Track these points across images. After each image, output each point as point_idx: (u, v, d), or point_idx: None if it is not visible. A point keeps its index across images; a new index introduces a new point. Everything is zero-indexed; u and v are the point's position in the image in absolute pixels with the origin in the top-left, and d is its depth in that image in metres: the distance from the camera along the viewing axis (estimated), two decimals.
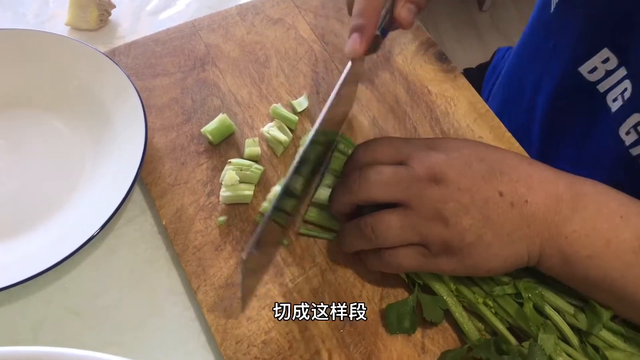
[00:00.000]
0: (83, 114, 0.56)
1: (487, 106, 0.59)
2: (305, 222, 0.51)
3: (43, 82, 0.57)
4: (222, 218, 0.51)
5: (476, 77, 0.88)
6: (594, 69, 0.55)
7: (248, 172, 0.51)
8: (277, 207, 0.41)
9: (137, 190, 0.54)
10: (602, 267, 0.41)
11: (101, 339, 0.47)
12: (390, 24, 0.49)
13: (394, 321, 0.46)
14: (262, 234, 0.39)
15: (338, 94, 0.45)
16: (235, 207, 0.52)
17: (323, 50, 0.62)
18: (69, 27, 0.64)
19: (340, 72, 0.59)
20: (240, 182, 0.51)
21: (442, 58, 0.62)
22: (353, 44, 0.46)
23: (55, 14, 0.65)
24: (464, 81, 0.60)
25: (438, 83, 0.60)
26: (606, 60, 0.53)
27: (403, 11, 0.47)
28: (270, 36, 0.62)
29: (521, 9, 1.97)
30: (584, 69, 0.56)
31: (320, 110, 0.53)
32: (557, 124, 0.63)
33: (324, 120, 0.43)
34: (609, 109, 0.55)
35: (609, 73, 0.53)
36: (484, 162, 0.43)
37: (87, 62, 0.56)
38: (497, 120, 0.58)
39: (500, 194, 0.42)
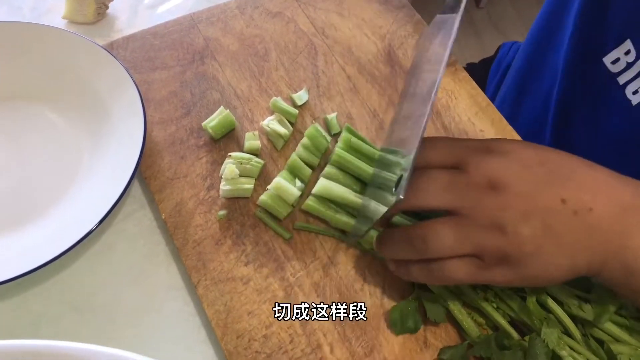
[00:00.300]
0: (81, 108, 0.55)
1: (487, 99, 0.58)
2: (302, 212, 0.51)
3: (40, 75, 0.56)
4: (222, 212, 0.50)
5: (480, 72, 0.88)
6: (617, 60, 0.54)
7: (248, 166, 0.51)
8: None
9: (136, 185, 0.53)
10: None
11: (100, 334, 0.46)
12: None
13: (397, 322, 0.45)
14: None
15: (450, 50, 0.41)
16: (235, 201, 0.51)
17: (323, 43, 0.61)
18: (66, 21, 0.63)
19: (341, 66, 0.59)
20: (241, 175, 0.50)
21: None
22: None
23: (51, 7, 0.64)
24: (464, 74, 0.60)
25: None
26: (628, 52, 0.52)
27: None
28: (269, 29, 0.62)
29: (518, 6, 1.97)
30: (607, 59, 0.55)
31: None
32: (573, 112, 0.62)
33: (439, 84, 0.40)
34: (629, 101, 0.54)
35: (629, 65, 0.53)
36: (544, 166, 0.40)
37: (84, 56, 0.55)
38: (498, 113, 0.58)
39: (563, 201, 0.39)
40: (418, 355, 0.45)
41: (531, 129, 0.68)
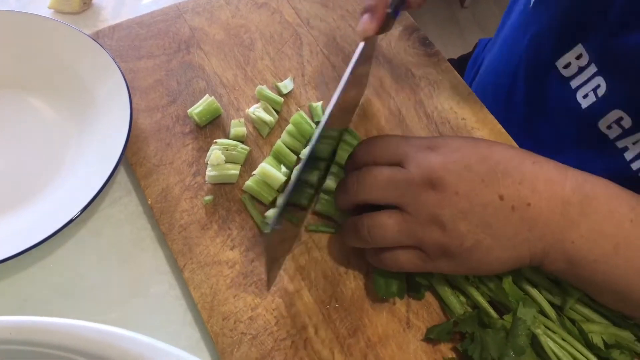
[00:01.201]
0: (67, 96, 0.55)
1: (469, 89, 0.59)
2: (314, 213, 0.51)
3: (26, 64, 0.56)
4: (208, 197, 0.51)
5: (457, 67, 0.89)
6: (569, 65, 0.55)
7: (234, 152, 0.51)
8: (297, 186, 0.40)
9: (122, 172, 0.54)
10: (609, 272, 0.40)
11: (86, 318, 0.45)
12: (400, 3, 0.48)
13: (382, 285, 0.46)
14: (284, 209, 0.38)
15: (351, 75, 0.44)
16: (221, 187, 0.52)
17: (308, 34, 0.62)
18: (52, 11, 0.63)
19: (326, 56, 0.60)
20: (226, 161, 0.51)
21: (425, 43, 0.63)
22: (364, 23, 0.45)
23: None
24: (447, 65, 0.61)
25: (422, 67, 0.61)
26: (579, 57, 0.54)
27: None
28: (255, 20, 0.62)
29: (502, 5, 2.00)
30: (560, 63, 0.56)
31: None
32: (535, 111, 0.64)
33: (337, 103, 0.42)
34: (579, 105, 0.55)
35: (581, 69, 0.54)
36: (484, 163, 0.42)
37: (70, 44, 0.56)
38: (479, 102, 0.59)
39: (501, 198, 0.41)
40: (401, 335, 0.46)
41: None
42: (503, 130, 0.57)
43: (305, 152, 0.48)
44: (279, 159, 0.52)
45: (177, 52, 0.59)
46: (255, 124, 0.55)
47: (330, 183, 0.51)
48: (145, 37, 0.60)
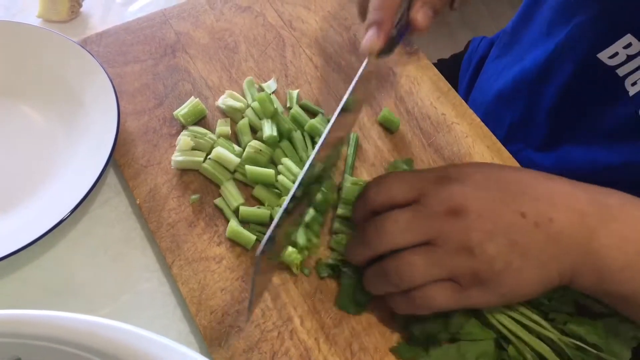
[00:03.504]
0: (56, 101, 0.57)
1: (449, 85, 0.61)
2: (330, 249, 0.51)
3: (16, 71, 0.58)
4: (195, 196, 0.52)
5: (451, 67, 0.90)
6: (615, 54, 0.54)
7: (202, 140, 0.53)
8: (286, 209, 0.40)
9: (111, 174, 0.55)
10: (637, 279, 0.40)
11: None
12: (405, 27, 0.47)
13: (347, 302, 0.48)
14: (275, 230, 0.38)
15: (353, 93, 0.44)
16: (208, 185, 0.53)
17: (291, 35, 0.63)
18: (40, 20, 0.65)
19: (309, 57, 0.61)
20: (194, 149, 0.53)
21: (405, 41, 0.64)
22: (370, 39, 0.45)
23: (25, 6, 0.66)
24: (426, 62, 0.63)
25: (402, 65, 0.63)
26: (628, 46, 0.52)
27: (419, 14, 0.46)
28: (239, 23, 0.64)
29: (490, 5, 2.02)
30: (603, 55, 0.55)
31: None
32: (569, 108, 0.62)
33: (336, 121, 0.42)
34: (626, 92, 0.54)
35: (630, 58, 0.53)
36: (500, 185, 0.42)
37: (58, 51, 0.57)
38: (459, 98, 0.60)
39: (523, 215, 0.41)
40: (384, 324, 0.47)
41: (518, 124, 0.69)
42: (482, 124, 0.59)
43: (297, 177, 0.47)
44: (237, 136, 0.55)
45: (163, 57, 0.61)
46: (228, 114, 0.57)
47: (338, 225, 0.51)
48: (132, 43, 0.61)
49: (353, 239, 0.46)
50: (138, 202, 0.52)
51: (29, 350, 0.34)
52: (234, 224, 0.50)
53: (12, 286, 0.49)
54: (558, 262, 0.41)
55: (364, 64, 0.45)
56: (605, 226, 0.40)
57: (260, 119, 0.55)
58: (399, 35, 0.47)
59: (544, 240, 0.41)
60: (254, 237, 0.49)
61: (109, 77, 0.55)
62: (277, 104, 0.56)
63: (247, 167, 0.51)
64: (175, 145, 0.55)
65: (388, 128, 0.58)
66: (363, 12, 0.48)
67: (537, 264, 0.41)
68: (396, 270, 0.42)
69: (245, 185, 0.53)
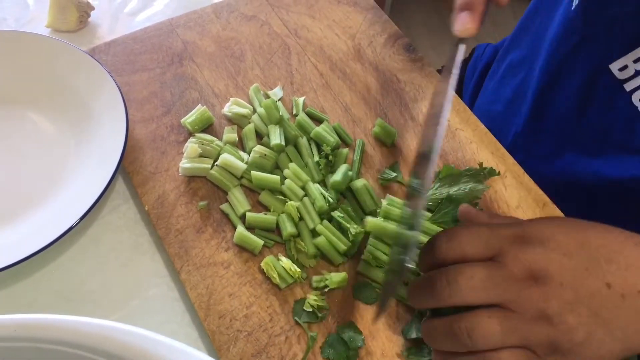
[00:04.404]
0: (66, 110, 0.58)
1: (453, 92, 0.61)
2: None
3: (26, 80, 0.59)
4: (202, 202, 0.53)
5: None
6: (625, 67, 0.53)
7: (209, 147, 0.54)
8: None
9: (120, 181, 0.56)
10: None
11: None
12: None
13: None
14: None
15: (453, 86, 0.42)
16: (216, 192, 0.54)
17: (296, 44, 0.64)
18: (49, 30, 0.66)
19: (314, 64, 0.62)
20: (201, 155, 0.54)
21: (409, 49, 0.65)
22: (464, 22, 0.42)
23: (35, 17, 0.67)
24: (431, 69, 0.64)
25: (407, 72, 0.63)
26: (637, 60, 0.52)
27: None
28: (245, 32, 0.65)
29: (494, 13, 2.03)
30: (614, 66, 0.54)
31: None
32: (576, 119, 0.62)
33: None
34: (635, 107, 0.54)
35: (638, 72, 0.52)
36: (584, 250, 0.39)
37: (68, 60, 0.58)
38: (462, 104, 0.61)
39: (608, 286, 0.38)
40: (391, 328, 0.48)
41: (522, 132, 0.69)
42: (486, 130, 0.59)
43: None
44: (243, 141, 0.56)
45: (170, 65, 0.62)
46: (235, 121, 0.57)
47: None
48: (139, 52, 0.62)
49: (418, 285, 0.42)
50: (147, 208, 0.52)
51: (43, 355, 0.34)
52: (241, 230, 0.50)
53: (23, 292, 0.49)
54: None
55: (460, 50, 0.42)
56: None
57: (266, 125, 0.55)
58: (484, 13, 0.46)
59: (629, 312, 0.38)
60: (261, 242, 0.50)
61: (117, 86, 0.56)
62: (283, 111, 0.57)
63: (253, 172, 0.52)
64: (182, 153, 0.56)
65: (383, 141, 0.58)
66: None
67: (620, 336, 0.38)
68: (468, 331, 0.38)
69: (253, 191, 0.54)
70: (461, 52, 0.42)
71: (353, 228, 0.49)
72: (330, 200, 0.51)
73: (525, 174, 0.57)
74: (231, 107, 0.57)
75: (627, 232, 0.40)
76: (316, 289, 0.49)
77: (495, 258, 0.40)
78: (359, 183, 0.53)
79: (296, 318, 0.48)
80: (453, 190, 0.53)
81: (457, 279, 0.39)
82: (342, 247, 0.50)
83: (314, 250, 0.50)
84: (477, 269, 0.39)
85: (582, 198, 0.61)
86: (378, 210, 0.52)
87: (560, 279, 0.38)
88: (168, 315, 0.49)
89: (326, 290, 0.49)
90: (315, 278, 0.49)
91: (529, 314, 0.38)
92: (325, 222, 0.51)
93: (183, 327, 0.49)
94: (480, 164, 0.55)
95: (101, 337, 0.35)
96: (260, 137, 0.56)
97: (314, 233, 0.51)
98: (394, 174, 0.55)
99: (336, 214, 0.51)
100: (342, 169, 0.53)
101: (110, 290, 0.50)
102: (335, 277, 0.49)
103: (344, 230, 0.51)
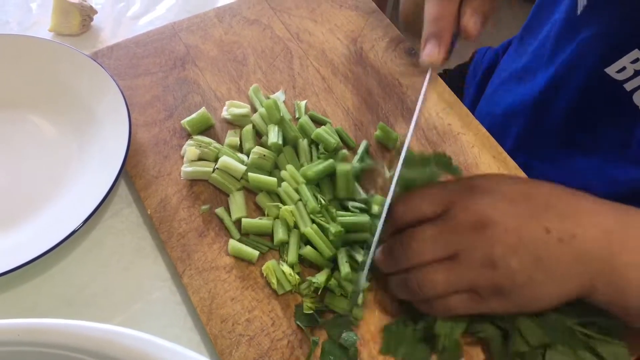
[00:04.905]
0: (69, 113, 0.58)
1: (455, 96, 0.62)
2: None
3: (29, 84, 0.59)
4: (205, 206, 0.53)
5: (456, 77, 0.91)
6: (623, 69, 0.54)
7: (206, 150, 0.54)
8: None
9: (122, 185, 0.56)
10: None
11: None
12: (456, 35, 0.48)
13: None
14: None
15: (421, 108, 0.45)
16: (218, 196, 0.54)
17: (298, 48, 0.64)
18: (52, 33, 0.66)
19: (316, 69, 0.62)
20: (200, 158, 0.54)
21: (411, 53, 0.65)
22: (431, 51, 0.45)
23: (38, 20, 0.67)
24: (433, 74, 0.63)
25: (408, 76, 0.63)
26: (636, 61, 0.53)
27: (470, 22, 0.46)
28: (247, 36, 0.65)
29: (495, 17, 2.03)
30: (611, 69, 0.55)
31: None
32: (578, 121, 0.62)
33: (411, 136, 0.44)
34: (636, 107, 0.55)
35: (637, 72, 0.53)
36: (527, 199, 0.43)
37: (70, 64, 0.58)
38: (465, 108, 0.61)
39: (547, 231, 0.41)
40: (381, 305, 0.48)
41: (525, 135, 0.69)
42: (488, 134, 0.59)
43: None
44: (242, 142, 0.56)
45: (173, 69, 0.62)
46: (235, 123, 0.58)
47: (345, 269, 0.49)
48: (142, 56, 0.62)
49: (382, 251, 0.46)
50: (149, 212, 0.52)
51: (46, 359, 0.34)
52: (234, 242, 0.50)
53: (25, 296, 0.49)
54: (579, 278, 0.41)
55: (427, 77, 0.45)
56: (628, 244, 0.41)
57: (267, 125, 0.56)
58: (452, 43, 0.48)
59: (566, 256, 0.41)
60: (256, 253, 0.50)
61: (120, 90, 0.56)
62: (284, 111, 0.57)
63: (250, 174, 0.52)
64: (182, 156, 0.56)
65: (385, 145, 0.58)
66: (408, 22, 0.48)
67: (559, 279, 0.41)
68: (418, 284, 0.43)
69: (254, 192, 0.54)
70: (428, 77, 0.46)
71: (332, 227, 0.49)
72: (323, 202, 0.51)
73: (527, 177, 0.57)
74: (230, 109, 0.57)
75: (565, 186, 0.44)
76: (307, 295, 0.49)
77: (446, 210, 0.43)
78: (342, 167, 0.52)
79: (298, 322, 0.48)
80: (410, 173, 0.54)
81: (410, 243, 0.43)
82: (328, 253, 0.49)
83: (294, 259, 0.49)
84: (427, 228, 0.43)
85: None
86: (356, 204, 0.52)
87: (505, 225, 0.41)
88: (170, 319, 0.49)
89: (319, 292, 0.48)
90: (303, 286, 0.49)
91: (475, 261, 0.41)
92: (314, 225, 0.50)
93: (185, 331, 0.49)
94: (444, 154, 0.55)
95: (103, 341, 0.35)
96: (260, 136, 0.57)
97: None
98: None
99: (317, 216, 0.51)
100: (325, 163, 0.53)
101: (113, 294, 0.50)
102: (321, 277, 0.48)
103: (325, 230, 0.50)
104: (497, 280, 0.41)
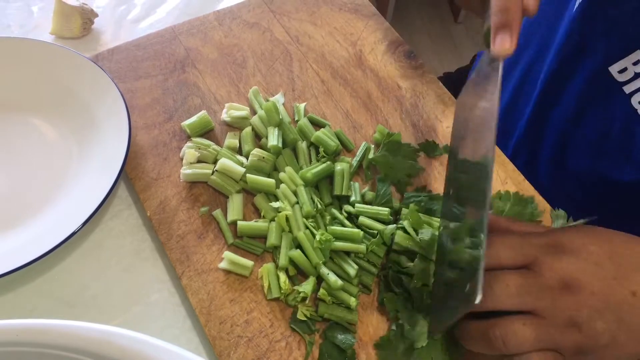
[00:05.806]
0: (69, 116, 0.58)
1: (454, 98, 0.62)
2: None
3: (30, 86, 0.59)
4: (204, 208, 0.53)
5: (456, 80, 0.91)
6: (624, 69, 0.54)
7: (205, 152, 0.54)
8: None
9: (122, 186, 0.56)
10: None
11: None
12: None
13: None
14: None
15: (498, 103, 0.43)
16: (217, 197, 0.54)
17: (298, 50, 0.65)
18: (53, 36, 0.66)
19: (315, 71, 0.62)
20: (199, 160, 0.55)
21: (410, 56, 0.65)
22: (502, 42, 0.43)
23: (39, 24, 0.67)
24: (431, 76, 0.64)
25: (407, 79, 0.64)
26: (637, 62, 0.53)
27: (531, 1, 0.44)
28: (247, 39, 0.65)
29: None
30: (614, 69, 0.55)
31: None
32: (577, 122, 0.62)
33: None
34: (635, 110, 0.55)
35: (637, 75, 0.53)
36: (613, 260, 0.42)
37: (71, 67, 0.59)
38: None
39: (634, 294, 0.41)
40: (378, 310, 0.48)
41: (525, 133, 0.69)
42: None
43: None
44: (242, 142, 0.57)
45: (173, 72, 0.62)
46: (235, 125, 0.58)
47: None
48: (142, 59, 0.63)
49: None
50: (148, 214, 0.53)
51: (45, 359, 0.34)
52: (229, 254, 0.50)
53: (25, 297, 0.50)
54: None
55: (500, 69, 0.43)
56: None
57: (266, 127, 0.56)
58: None
59: None
60: (250, 264, 0.50)
61: (120, 92, 0.56)
62: (284, 114, 0.57)
63: (248, 175, 0.52)
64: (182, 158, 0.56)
65: None
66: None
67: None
68: (503, 338, 0.41)
69: (253, 194, 0.54)
70: (500, 69, 0.43)
71: (319, 234, 0.49)
72: (319, 205, 0.52)
73: (526, 180, 0.57)
74: (229, 112, 0.58)
75: None
76: (296, 306, 0.49)
77: (529, 266, 0.42)
78: (339, 165, 0.53)
79: (292, 325, 0.48)
80: (393, 158, 0.54)
81: (492, 286, 0.41)
82: (315, 259, 0.49)
83: (285, 262, 0.49)
84: (513, 276, 0.42)
85: (586, 200, 0.62)
86: (352, 199, 0.53)
87: (592, 288, 0.41)
88: (169, 321, 0.49)
89: (307, 301, 0.48)
90: (290, 297, 0.49)
91: (560, 320, 0.41)
92: (307, 230, 0.51)
93: (184, 333, 0.49)
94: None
95: (103, 343, 0.35)
96: (259, 138, 0.57)
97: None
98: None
99: (309, 221, 0.51)
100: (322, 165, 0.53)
101: (112, 296, 0.50)
102: (307, 286, 0.48)
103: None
104: (581, 341, 0.41)
